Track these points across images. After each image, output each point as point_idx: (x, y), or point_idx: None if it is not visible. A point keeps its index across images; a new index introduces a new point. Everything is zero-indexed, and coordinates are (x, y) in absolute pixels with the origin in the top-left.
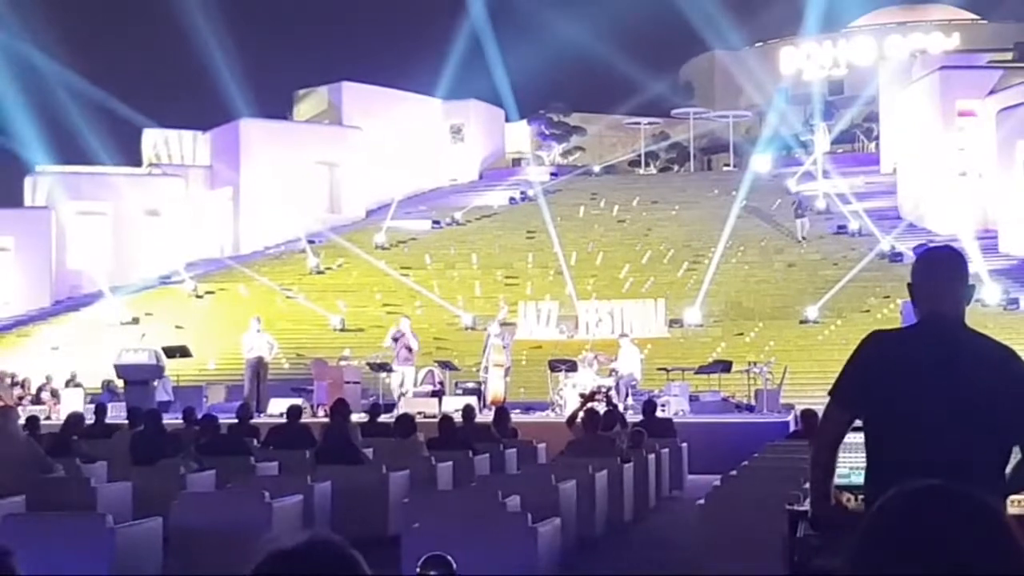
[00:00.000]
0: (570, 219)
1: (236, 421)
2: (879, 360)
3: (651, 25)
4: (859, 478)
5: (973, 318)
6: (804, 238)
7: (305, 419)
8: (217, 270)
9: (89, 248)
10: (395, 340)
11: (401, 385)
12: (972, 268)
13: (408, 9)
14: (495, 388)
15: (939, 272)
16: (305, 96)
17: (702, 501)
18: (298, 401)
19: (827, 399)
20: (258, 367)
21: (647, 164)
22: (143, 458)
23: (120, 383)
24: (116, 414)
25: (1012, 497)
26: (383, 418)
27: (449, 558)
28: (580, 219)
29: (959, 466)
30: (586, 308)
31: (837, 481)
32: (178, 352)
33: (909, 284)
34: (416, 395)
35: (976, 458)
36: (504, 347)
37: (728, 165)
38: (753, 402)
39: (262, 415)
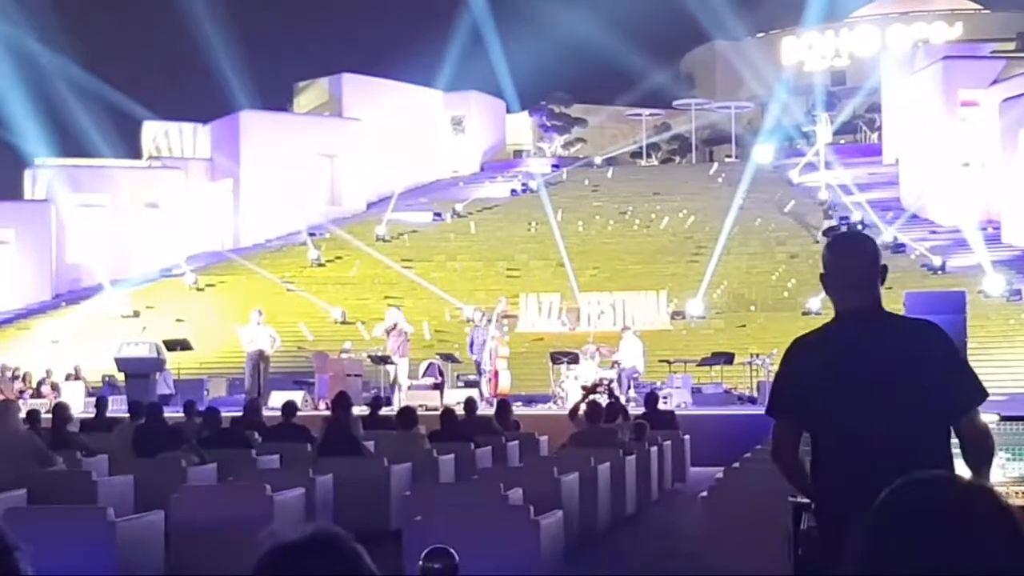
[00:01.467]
0: (572, 211)
1: (241, 414)
2: (807, 366)
3: (652, 16)
4: None
5: (977, 309)
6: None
7: (306, 412)
8: (217, 263)
9: (89, 241)
10: (388, 332)
11: (395, 379)
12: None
13: (408, 0)
14: (503, 381)
15: (849, 258)
16: (305, 88)
17: (705, 493)
18: (295, 396)
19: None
20: (259, 360)
21: (649, 155)
22: (144, 451)
23: (121, 376)
24: (117, 407)
25: (1016, 488)
26: (384, 411)
27: (451, 551)
28: (582, 211)
29: (905, 453)
30: (588, 300)
31: None
32: (179, 345)
33: (821, 275)
34: (417, 388)
35: (921, 443)
36: (503, 338)
37: (730, 156)
38: (755, 394)
39: (263, 408)
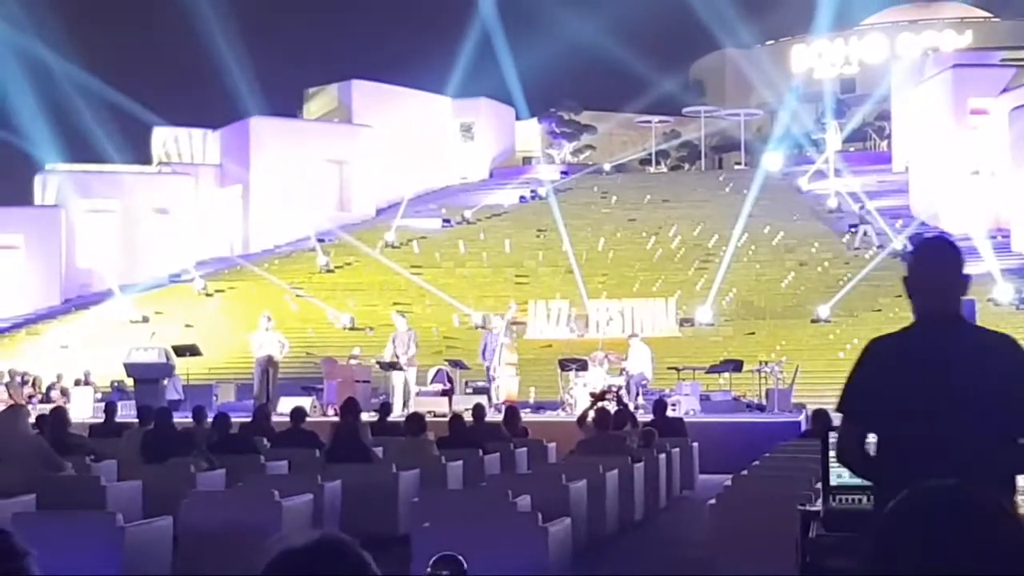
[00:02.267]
0: (581, 217)
1: (251, 420)
2: (880, 367)
3: (662, 23)
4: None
5: (986, 317)
6: (857, 248)
7: (315, 418)
8: (227, 268)
9: (99, 246)
10: (393, 341)
11: (404, 386)
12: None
13: (418, 7)
14: (508, 387)
15: (934, 265)
16: (315, 94)
17: (713, 501)
18: (303, 402)
19: (838, 415)
20: (267, 365)
21: (658, 162)
22: (153, 457)
23: (130, 381)
24: (126, 412)
25: None
26: (392, 417)
27: (460, 558)
28: (591, 218)
29: (970, 464)
30: (596, 307)
31: (840, 482)
32: (188, 351)
33: (904, 278)
34: (426, 394)
35: (987, 455)
36: (514, 346)
37: (739, 163)
38: (764, 401)
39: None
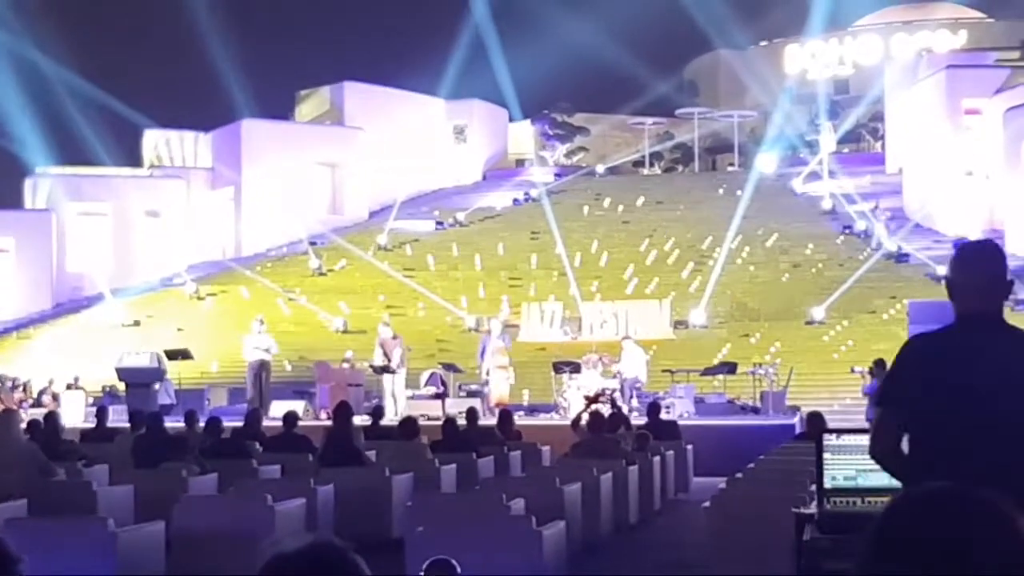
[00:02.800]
0: (574, 220)
1: (243, 424)
2: (918, 365)
3: (655, 24)
4: (866, 481)
5: None
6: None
7: (308, 422)
8: (218, 272)
9: (90, 250)
10: (381, 346)
11: (393, 391)
12: None
13: (411, 9)
14: (499, 390)
15: (975, 267)
16: (307, 96)
17: (708, 504)
18: (296, 406)
19: (839, 413)
20: (260, 369)
21: (651, 164)
22: (145, 461)
23: (121, 386)
24: (118, 417)
25: None
26: (385, 421)
27: (453, 562)
28: (584, 220)
29: (999, 469)
30: (590, 309)
31: (834, 485)
32: (179, 355)
33: (946, 279)
34: (419, 397)
35: (1018, 461)
36: (506, 348)
37: (733, 165)
38: (758, 404)
39: (264, 418)
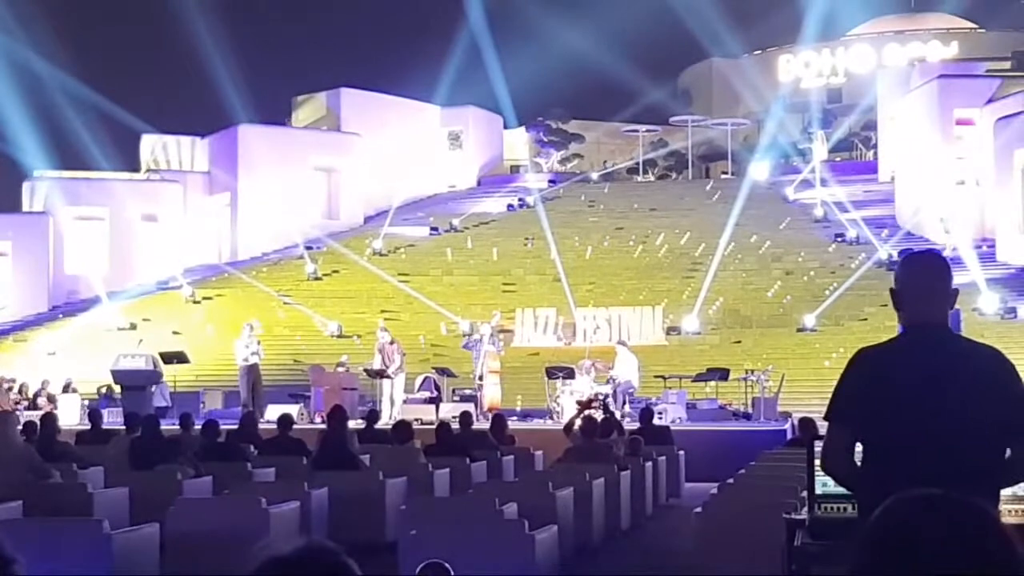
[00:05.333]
0: (568, 226)
1: (238, 427)
2: (868, 376)
3: (650, 33)
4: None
5: (971, 327)
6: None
7: (302, 425)
8: (215, 276)
9: (87, 253)
10: (380, 352)
11: (391, 395)
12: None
13: (407, 16)
14: (492, 395)
15: (923, 277)
16: (303, 102)
17: (699, 509)
18: (291, 410)
19: (825, 423)
20: (250, 373)
21: (645, 171)
22: (140, 464)
23: (117, 388)
24: (113, 419)
25: (1010, 507)
26: (379, 424)
27: (447, 565)
28: (578, 226)
29: (953, 478)
30: (584, 315)
31: (825, 491)
32: (175, 358)
33: (892, 290)
34: (413, 402)
35: (971, 470)
36: (498, 353)
37: (726, 173)
38: (750, 410)
39: (260, 421)
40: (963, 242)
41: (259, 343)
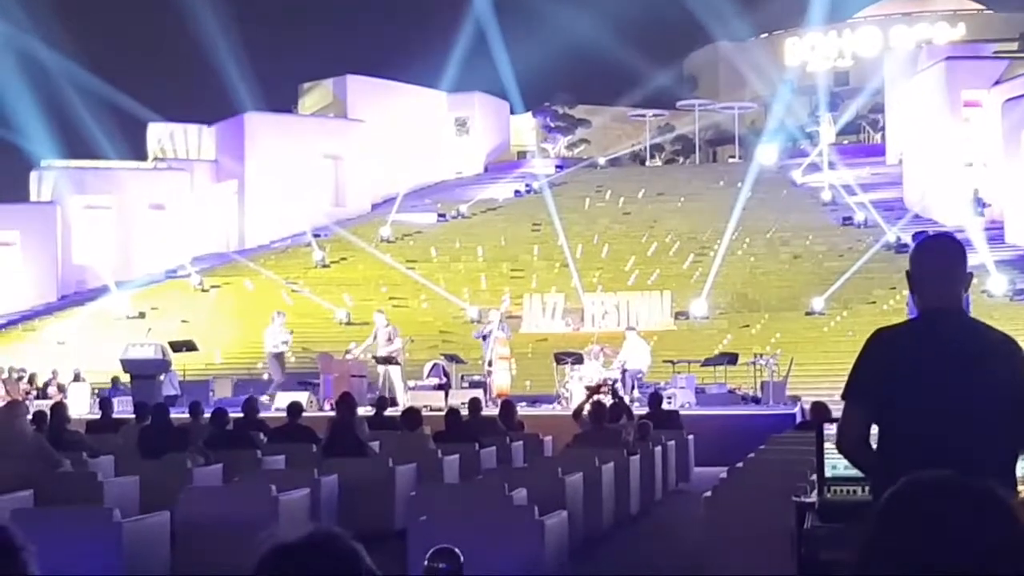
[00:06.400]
0: (575, 211)
1: (242, 414)
2: (885, 358)
3: (655, 17)
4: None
5: (979, 308)
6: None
7: (312, 412)
8: (223, 264)
9: (95, 242)
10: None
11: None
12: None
13: (413, 2)
14: (501, 381)
15: (939, 260)
16: (310, 89)
17: (709, 493)
18: (300, 397)
19: (841, 402)
20: (280, 360)
21: (652, 156)
22: (150, 452)
23: (126, 377)
24: (123, 408)
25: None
26: (388, 411)
27: (456, 551)
28: (585, 211)
29: (968, 462)
30: (592, 300)
31: (835, 474)
32: (184, 346)
33: (907, 272)
34: (422, 388)
35: (985, 454)
36: (507, 339)
37: (733, 157)
38: (759, 394)
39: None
40: (971, 224)
41: (290, 332)
